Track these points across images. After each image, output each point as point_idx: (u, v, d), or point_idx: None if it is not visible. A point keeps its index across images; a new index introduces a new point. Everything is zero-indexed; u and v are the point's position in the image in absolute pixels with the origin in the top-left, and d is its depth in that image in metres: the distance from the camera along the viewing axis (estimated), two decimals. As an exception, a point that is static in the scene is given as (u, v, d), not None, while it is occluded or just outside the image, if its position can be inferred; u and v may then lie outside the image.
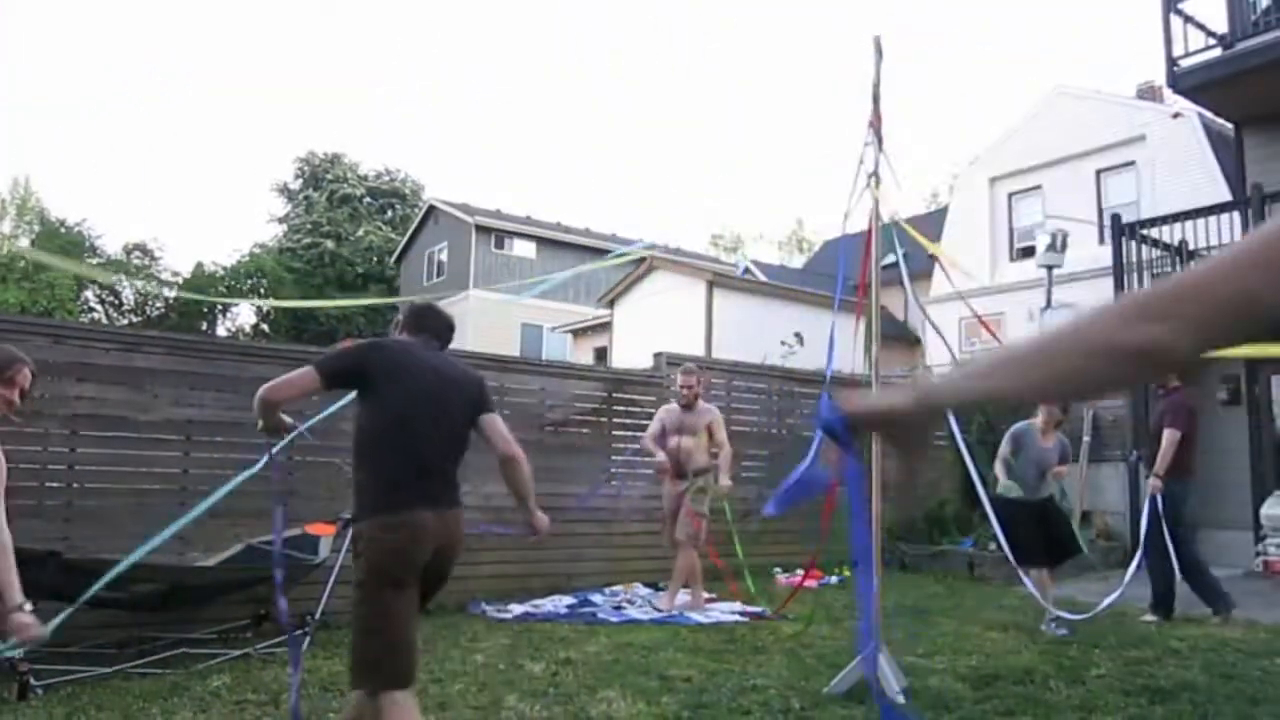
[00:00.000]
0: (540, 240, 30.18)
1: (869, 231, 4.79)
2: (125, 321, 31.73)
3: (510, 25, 75.31)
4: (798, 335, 14.01)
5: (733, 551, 7.53)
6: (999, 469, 6.66)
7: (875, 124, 4.59)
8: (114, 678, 4.57)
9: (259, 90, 68.38)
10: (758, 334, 15.09)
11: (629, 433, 8.46)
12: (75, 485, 5.70)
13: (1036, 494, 6.54)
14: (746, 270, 24.53)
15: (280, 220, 39.40)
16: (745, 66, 76.05)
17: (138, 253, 33.65)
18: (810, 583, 8.38)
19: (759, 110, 76.04)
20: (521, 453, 3.24)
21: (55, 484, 5.60)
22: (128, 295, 33.15)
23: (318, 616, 5.57)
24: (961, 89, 68.68)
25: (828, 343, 5.42)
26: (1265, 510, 9.47)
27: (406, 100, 72.33)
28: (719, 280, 20.16)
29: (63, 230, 31.56)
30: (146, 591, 5.21)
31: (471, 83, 72.85)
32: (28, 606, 2.69)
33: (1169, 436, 6.65)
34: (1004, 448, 6.69)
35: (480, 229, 29.21)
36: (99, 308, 32.67)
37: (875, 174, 4.64)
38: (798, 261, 41.39)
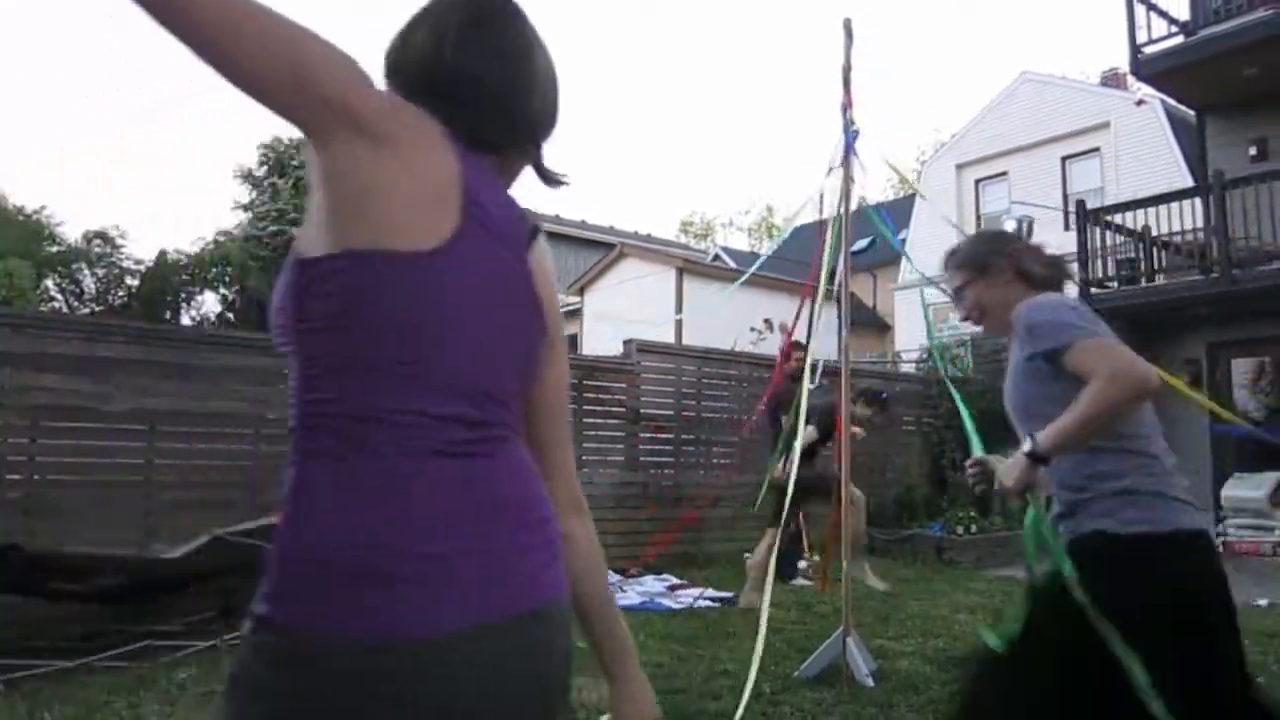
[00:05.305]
0: (509, 227, 29.99)
1: (839, 217, 4.79)
2: (86, 310, 31.22)
3: (478, 10, 74.55)
4: (768, 321, 14.04)
5: None
6: None
7: (846, 107, 4.58)
8: (78, 671, 4.50)
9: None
10: (728, 320, 15.11)
11: (600, 420, 8.47)
12: (36, 477, 5.60)
13: None
14: (716, 258, 24.56)
15: (245, 207, 38.81)
16: (715, 49, 76.00)
17: (99, 240, 33.07)
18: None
19: (729, 95, 76.07)
20: None
21: (15, 476, 5.50)
22: (89, 284, 32.61)
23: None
24: (926, 74, 69.08)
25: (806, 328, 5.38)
26: (1225, 492, 9.66)
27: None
28: (689, 267, 20.19)
29: (20, 218, 30.92)
30: (111, 584, 5.14)
31: (439, 68, 72.08)
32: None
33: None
34: None
35: (449, 215, 28.95)
36: (59, 297, 32.12)
37: (847, 158, 4.64)
38: (768, 248, 41.48)
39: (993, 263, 2.53)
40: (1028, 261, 2.51)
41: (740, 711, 3.74)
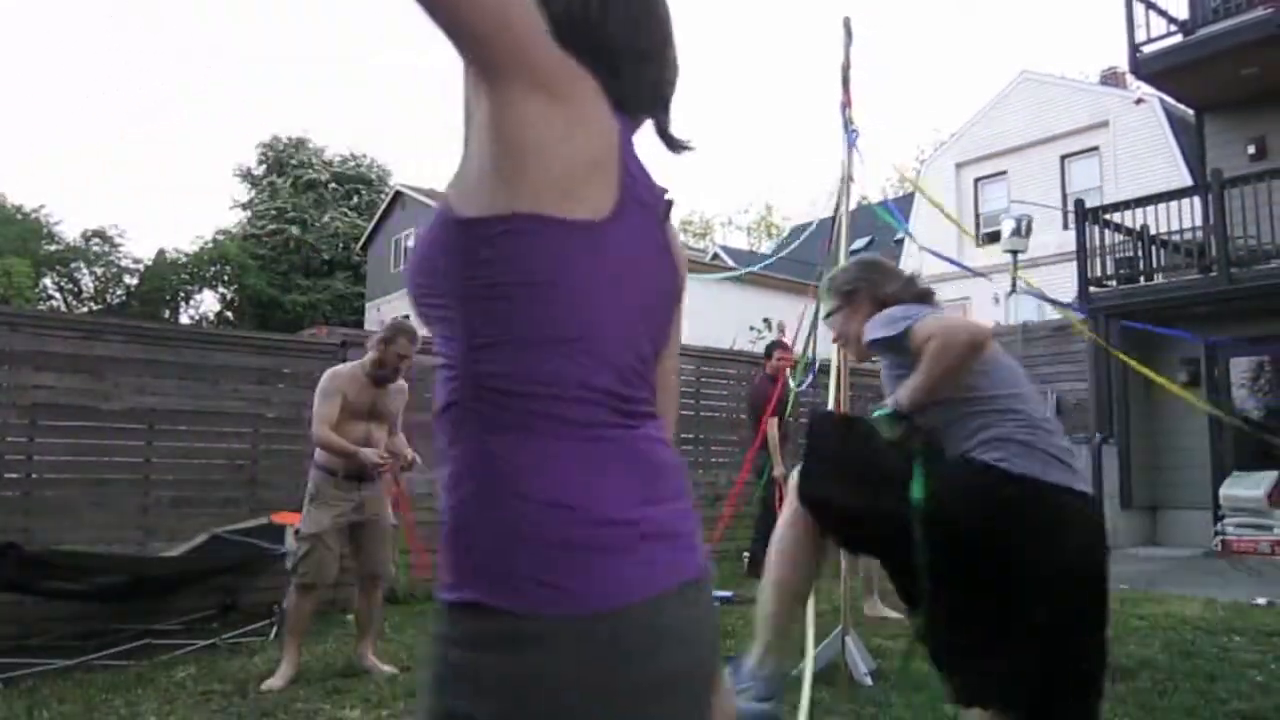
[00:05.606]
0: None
1: (837, 216, 4.78)
2: (85, 309, 31.19)
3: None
4: (766, 320, 14.07)
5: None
6: None
7: (846, 106, 4.58)
8: (76, 670, 4.50)
9: (221, 73, 67.35)
10: (727, 319, 15.13)
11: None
12: (34, 476, 5.59)
13: None
14: (715, 257, 24.55)
15: (244, 206, 38.85)
16: (714, 47, 76.00)
17: (97, 239, 33.07)
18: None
19: (728, 94, 76.04)
20: None
21: (13, 475, 5.49)
22: (87, 282, 32.62)
23: (284, 606, 5.53)
24: (926, 74, 69.08)
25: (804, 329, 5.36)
26: (1224, 490, 9.65)
27: (371, 84, 71.52)
28: (688, 265, 20.18)
29: (19, 217, 30.90)
30: (109, 583, 5.14)
31: (436, 65, 72.13)
32: None
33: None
34: None
35: (448, 214, 28.92)
36: (58, 295, 32.13)
37: (848, 157, 4.63)
38: (767, 247, 41.56)
39: (857, 290, 2.65)
40: (890, 291, 2.59)
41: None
